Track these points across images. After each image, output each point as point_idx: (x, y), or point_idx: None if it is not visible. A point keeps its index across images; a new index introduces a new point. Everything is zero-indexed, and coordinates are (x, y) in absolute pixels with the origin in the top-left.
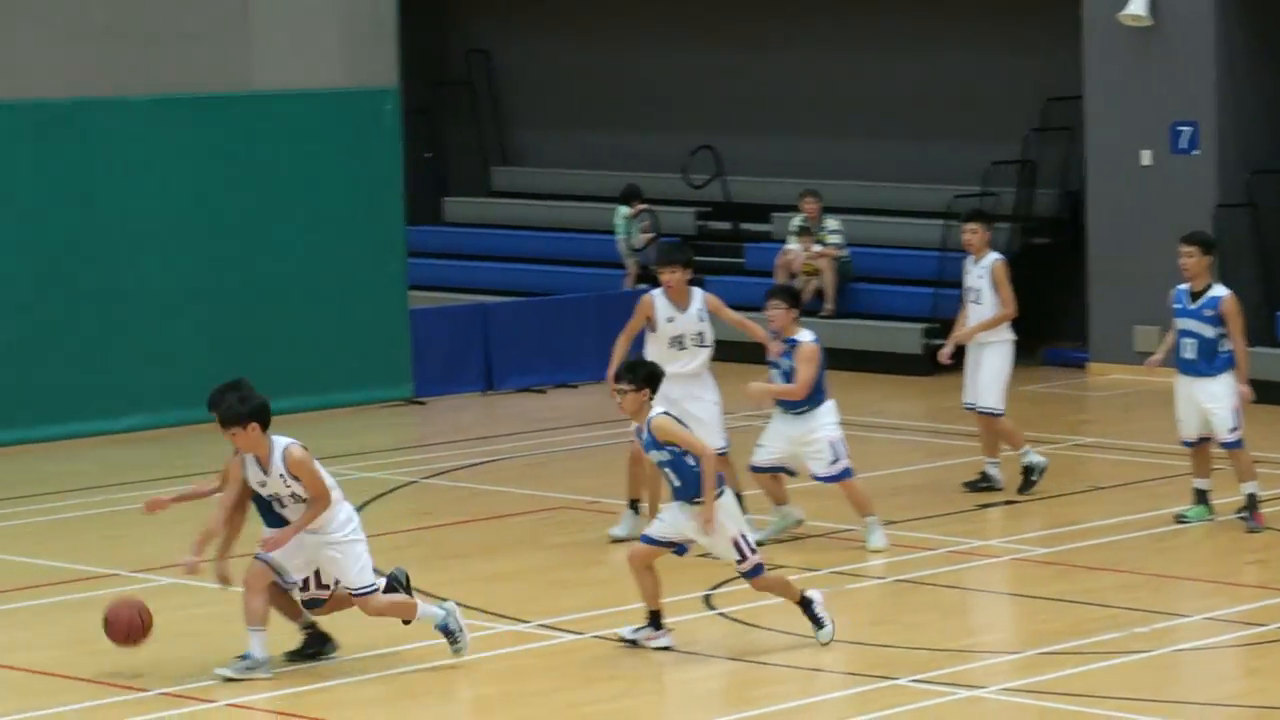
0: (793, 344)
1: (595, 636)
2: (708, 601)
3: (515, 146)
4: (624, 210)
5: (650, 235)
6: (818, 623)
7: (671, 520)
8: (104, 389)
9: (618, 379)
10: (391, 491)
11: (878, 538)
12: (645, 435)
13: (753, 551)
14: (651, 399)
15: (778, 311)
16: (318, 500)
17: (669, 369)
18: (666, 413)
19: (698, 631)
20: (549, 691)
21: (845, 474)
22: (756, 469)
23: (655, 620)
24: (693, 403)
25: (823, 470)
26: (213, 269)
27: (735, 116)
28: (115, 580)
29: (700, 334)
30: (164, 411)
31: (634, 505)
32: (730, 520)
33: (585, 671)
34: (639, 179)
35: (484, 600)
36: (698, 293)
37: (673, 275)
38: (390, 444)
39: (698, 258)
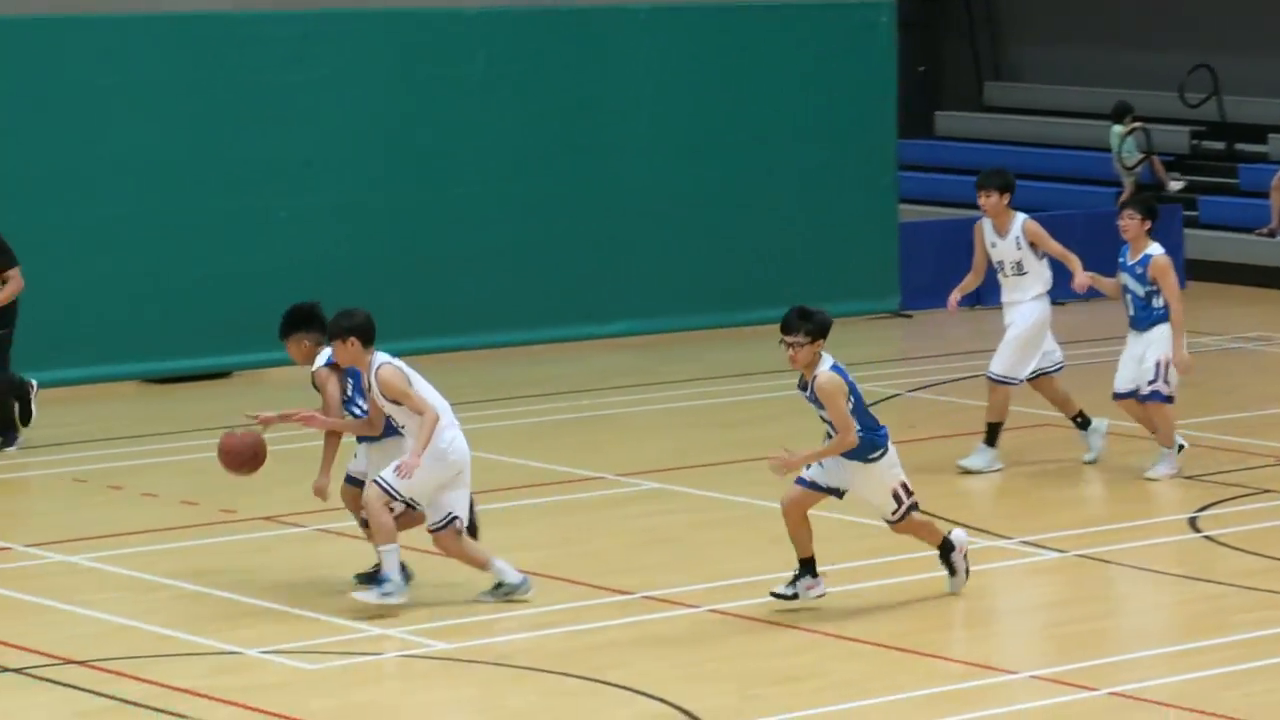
0: (1145, 260)
1: (1078, 555)
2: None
3: (1009, 61)
4: (1118, 128)
5: (1144, 155)
6: (950, 569)
7: (834, 468)
8: (592, 294)
9: (787, 329)
10: (875, 404)
11: (1163, 467)
12: (809, 391)
13: (909, 495)
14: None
15: (1131, 222)
16: (423, 419)
17: (1002, 298)
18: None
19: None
20: (1029, 610)
21: (1155, 396)
22: (1117, 395)
23: (809, 568)
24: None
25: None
26: (704, 178)
27: (1234, 35)
28: (599, 484)
29: (1018, 263)
30: (651, 318)
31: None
32: (890, 474)
33: (1069, 590)
34: (1133, 96)
35: (965, 515)
36: (1019, 219)
37: (988, 200)
38: (875, 356)
39: (1190, 177)
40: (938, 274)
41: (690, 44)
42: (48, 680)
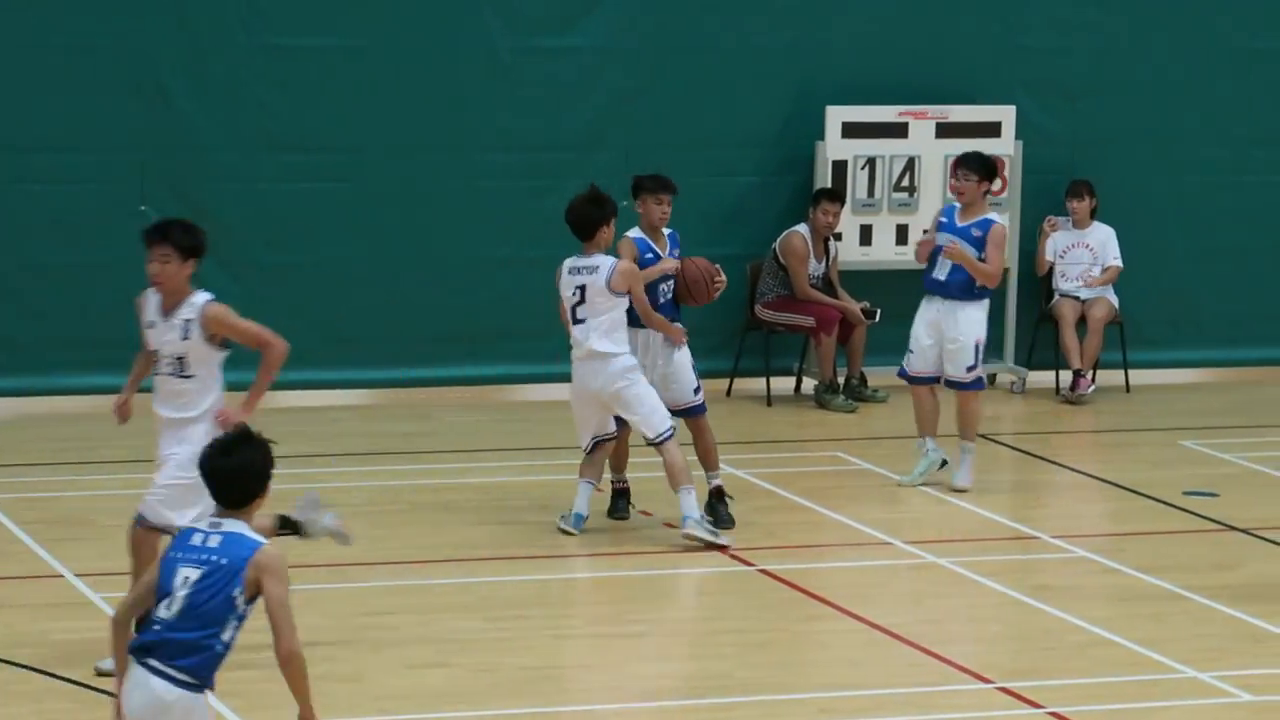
0: (986, 224)
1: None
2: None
3: None
4: None
5: None
6: None
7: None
8: None
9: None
10: None
11: (966, 473)
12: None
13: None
14: None
15: (968, 184)
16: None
17: None
18: None
19: None
20: None
21: (977, 384)
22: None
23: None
24: None
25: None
26: None
27: None
28: None
29: None
30: None
31: None
32: None
33: None
34: None
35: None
36: None
37: None
38: None
39: None
40: None
41: None
42: None
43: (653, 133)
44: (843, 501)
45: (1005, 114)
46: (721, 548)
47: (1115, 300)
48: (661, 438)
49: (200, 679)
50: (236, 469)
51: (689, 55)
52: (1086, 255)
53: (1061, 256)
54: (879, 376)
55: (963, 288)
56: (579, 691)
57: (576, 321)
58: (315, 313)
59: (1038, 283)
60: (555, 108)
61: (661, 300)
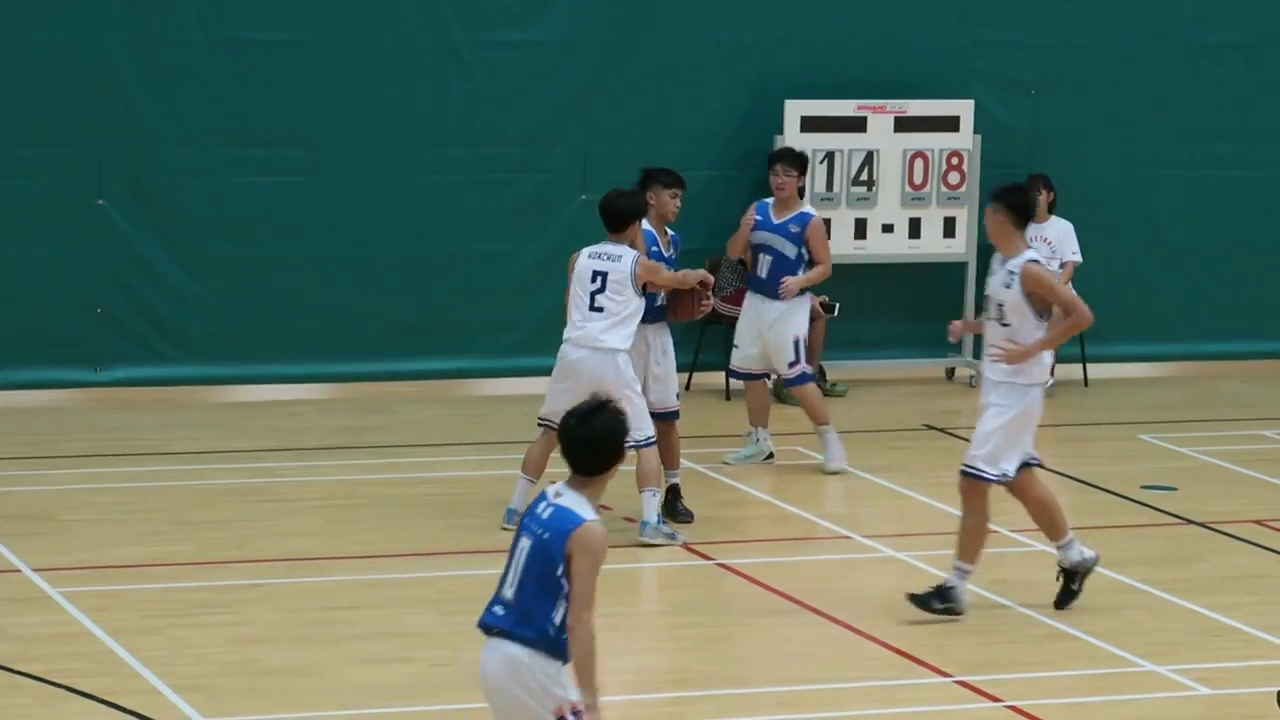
0: (803, 219)
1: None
2: None
3: None
4: None
5: None
6: None
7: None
8: None
9: None
10: None
11: (837, 453)
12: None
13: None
14: None
15: (789, 179)
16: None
17: None
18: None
19: None
20: None
21: (803, 379)
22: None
23: None
24: None
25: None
26: None
27: None
28: None
29: None
30: None
31: None
32: None
33: None
34: None
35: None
36: None
37: None
38: None
39: None
40: None
41: None
42: None
43: (611, 127)
44: (802, 496)
45: (964, 108)
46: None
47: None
48: (642, 444)
49: (549, 650)
50: (595, 437)
51: (647, 49)
52: (1045, 249)
53: None
54: (838, 370)
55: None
56: None
57: (593, 309)
58: (273, 307)
59: None
60: (513, 102)
61: (657, 304)
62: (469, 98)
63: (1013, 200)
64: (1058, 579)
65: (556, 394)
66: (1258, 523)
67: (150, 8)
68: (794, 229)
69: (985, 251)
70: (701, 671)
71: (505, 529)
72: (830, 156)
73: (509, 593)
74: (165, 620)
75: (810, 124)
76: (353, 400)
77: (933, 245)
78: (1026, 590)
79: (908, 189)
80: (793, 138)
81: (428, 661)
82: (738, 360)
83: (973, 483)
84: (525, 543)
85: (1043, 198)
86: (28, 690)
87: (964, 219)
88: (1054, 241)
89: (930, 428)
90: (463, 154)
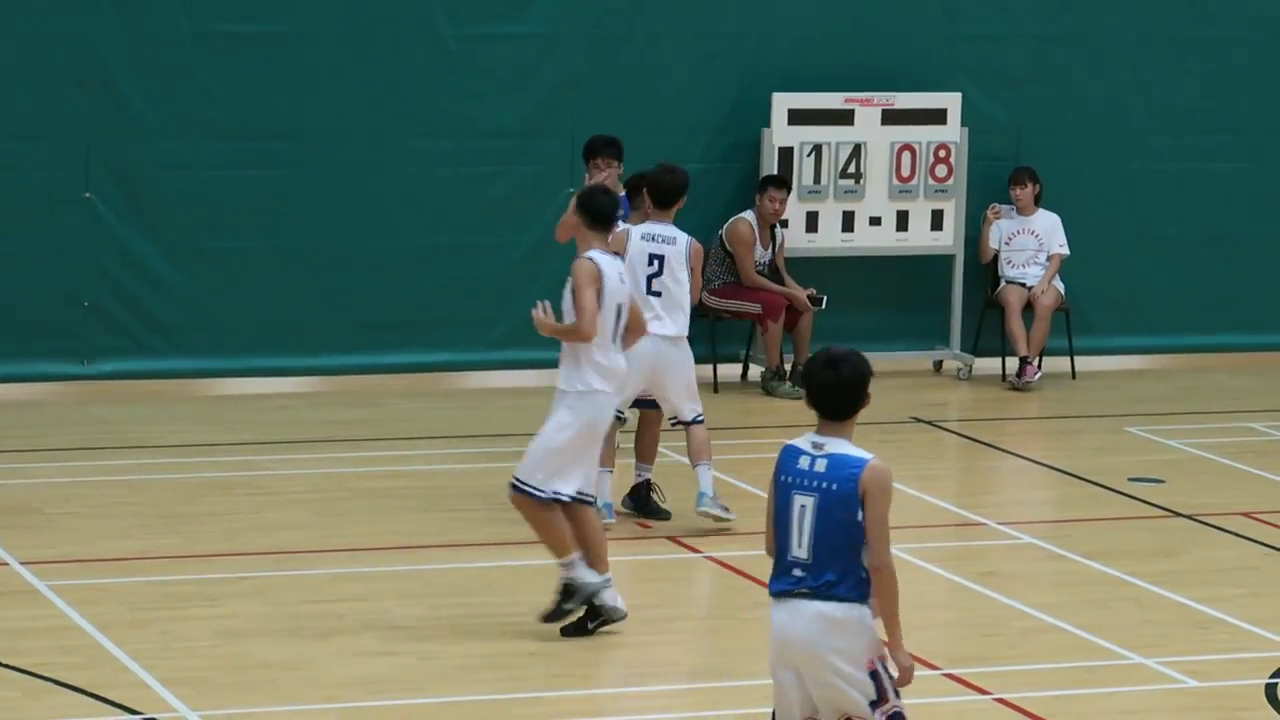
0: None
1: None
2: None
3: None
4: None
5: None
6: None
7: None
8: None
9: None
10: None
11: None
12: None
13: None
14: None
15: (610, 169)
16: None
17: None
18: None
19: None
20: None
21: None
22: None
23: None
24: None
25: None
26: None
27: None
28: None
29: None
30: None
31: None
32: None
33: None
34: None
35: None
36: None
37: None
38: None
39: None
40: None
41: None
42: None
43: (598, 120)
44: None
45: (951, 101)
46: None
47: (1062, 287)
48: (694, 420)
49: (860, 598)
50: (846, 381)
51: (634, 42)
52: (1032, 242)
53: (1007, 243)
54: None
55: None
56: (525, 679)
57: (651, 293)
58: (260, 299)
59: (983, 269)
60: (500, 94)
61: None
62: (456, 91)
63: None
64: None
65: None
66: (1245, 515)
67: (137, 1)
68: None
69: (973, 244)
70: (692, 664)
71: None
72: (817, 149)
73: (801, 553)
74: (153, 613)
75: (797, 117)
76: (341, 393)
77: (920, 238)
78: (1013, 583)
79: (895, 182)
80: (780, 131)
81: (416, 654)
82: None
83: (522, 499)
84: (805, 500)
85: (1028, 190)
86: (15, 684)
87: (951, 212)
88: (1041, 234)
89: (918, 420)
90: (450, 147)
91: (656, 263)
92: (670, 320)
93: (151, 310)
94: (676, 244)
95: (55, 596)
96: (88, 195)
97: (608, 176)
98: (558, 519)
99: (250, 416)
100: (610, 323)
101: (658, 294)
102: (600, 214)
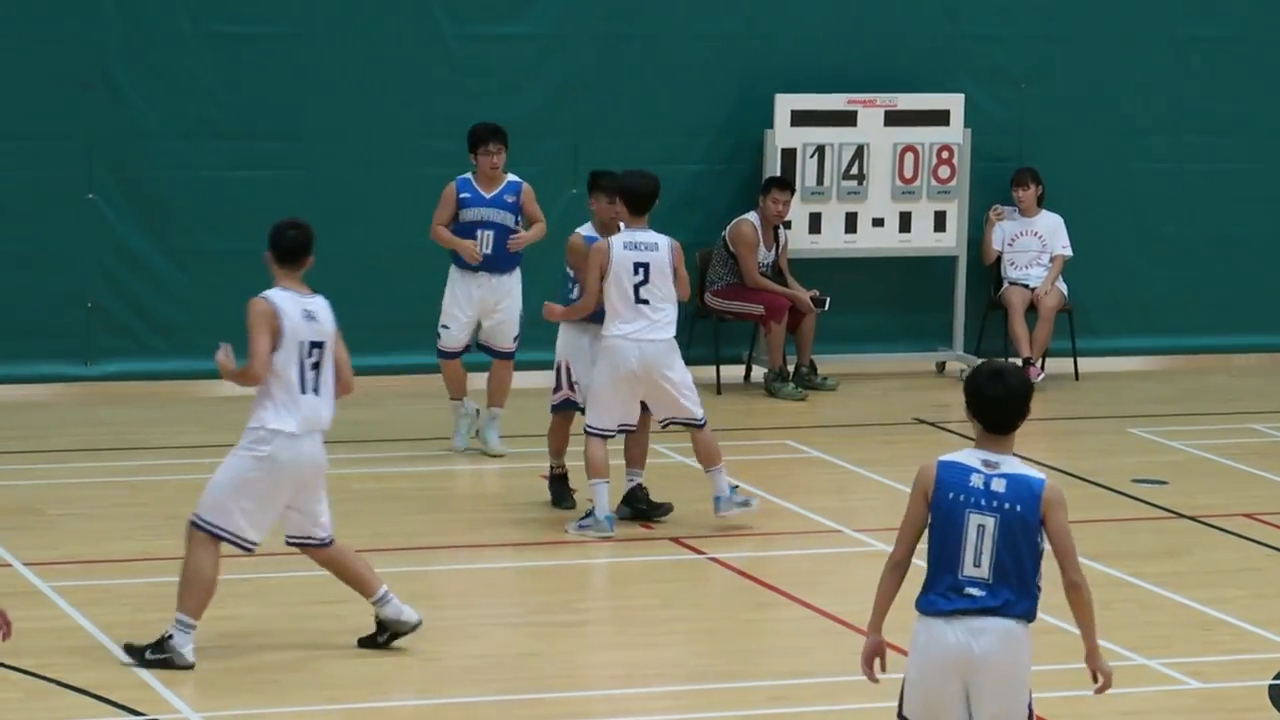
0: (515, 187)
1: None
2: None
3: None
4: None
5: None
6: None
7: None
8: None
9: None
10: None
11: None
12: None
13: None
14: None
15: (501, 157)
16: None
17: None
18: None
19: None
20: None
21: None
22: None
23: None
24: None
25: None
26: None
27: None
28: None
29: None
30: None
31: None
32: None
33: None
34: None
35: None
36: None
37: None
38: None
39: None
40: None
41: None
42: None
43: (601, 120)
44: (792, 489)
45: (954, 102)
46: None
47: (1064, 288)
48: (699, 423)
49: (1031, 618)
50: (1015, 393)
51: (637, 42)
52: (1035, 243)
53: (1010, 244)
54: (829, 364)
55: (508, 260)
56: (527, 680)
57: (639, 301)
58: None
59: (986, 270)
60: (502, 95)
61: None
62: (458, 91)
63: None
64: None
65: (608, 396)
66: (1248, 516)
67: (140, 1)
68: (509, 199)
69: (976, 245)
70: (692, 666)
71: (605, 537)
72: (820, 150)
73: (981, 572)
74: (156, 614)
75: (800, 118)
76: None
77: (923, 239)
78: None
79: (898, 183)
80: (783, 132)
81: (418, 655)
82: (449, 341)
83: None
84: (984, 520)
85: (1030, 192)
86: (18, 685)
87: (954, 213)
88: (1044, 235)
89: (921, 421)
90: (452, 147)
91: (642, 271)
92: (661, 326)
93: (154, 311)
94: (659, 250)
95: (58, 597)
96: (90, 196)
97: (495, 164)
98: (209, 562)
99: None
100: (292, 364)
101: (645, 301)
102: (287, 250)
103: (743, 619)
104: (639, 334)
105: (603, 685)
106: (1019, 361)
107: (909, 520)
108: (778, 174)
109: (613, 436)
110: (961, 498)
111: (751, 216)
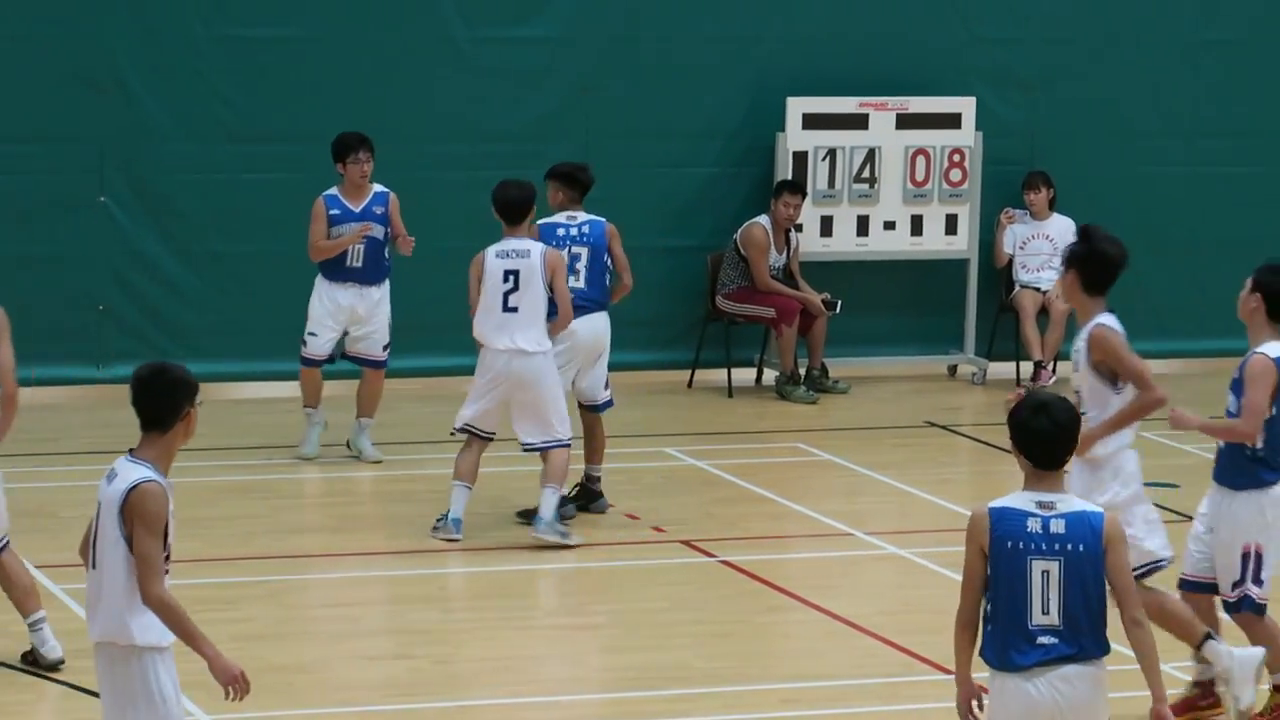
0: (383, 198)
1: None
2: None
3: None
4: None
5: None
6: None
7: None
8: None
9: None
10: None
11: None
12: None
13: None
14: None
15: (370, 166)
16: None
17: None
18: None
19: None
20: None
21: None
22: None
23: None
24: None
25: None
26: None
27: None
28: None
29: None
30: None
31: None
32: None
33: None
34: None
35: None
36: None
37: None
38: None
39: None
40: None
41: None
42: None
43: (612, 123)
44: (804, 493)
45: (965, 105)
46: (569, 547)
47: None
48: (560, 443)
49: (1105, 654)
50: (1063, 426)
51: (649, 45)
52: (1047, 246)
53: (1021, 248)
54: (841, 367)
55: (379, 270)
56: (538, 683)
57: (508, 310)
58: (273, 303)
59: (998, 274)
60: (514, 98)
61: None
62: (470, 94)
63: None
64: None
65: (483, 400)
66: None
67: (152, 4)
68: (378, 210)
69: (987, 248)
70: (704, 668)
71: (452, 539)
72: (832, 153)
73: (1051, 619)
74: None
75: (812, 121)
76: (352, 397)
77: (935, 242)
78: None
79: (909, 186)
80: (795, 135)
81: (430, 658)
82: (316, 349)
83: None
84: (1048, 565)
85: (1041, 195)
86: (31, 688)
87: (966, 216)
88: (1055, 238)
89: (932, 425)
90: (464, 150)
91: (512, 279)
92: (528, 335)
93: (166, 314)
94: (530, 257)
95: (70, 600)
96: (102, 199)
97: (365, 172)
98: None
99: (265, 420)
100: None
101: (514, 310)
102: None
103: (754, 622)
104: (507, 345)
105: (614, 688)
106: (1030, 365)
107: (969, 575)
108: (789, 177)
109: (476, 435)
110: (1021, 545)
111: (763, 220)
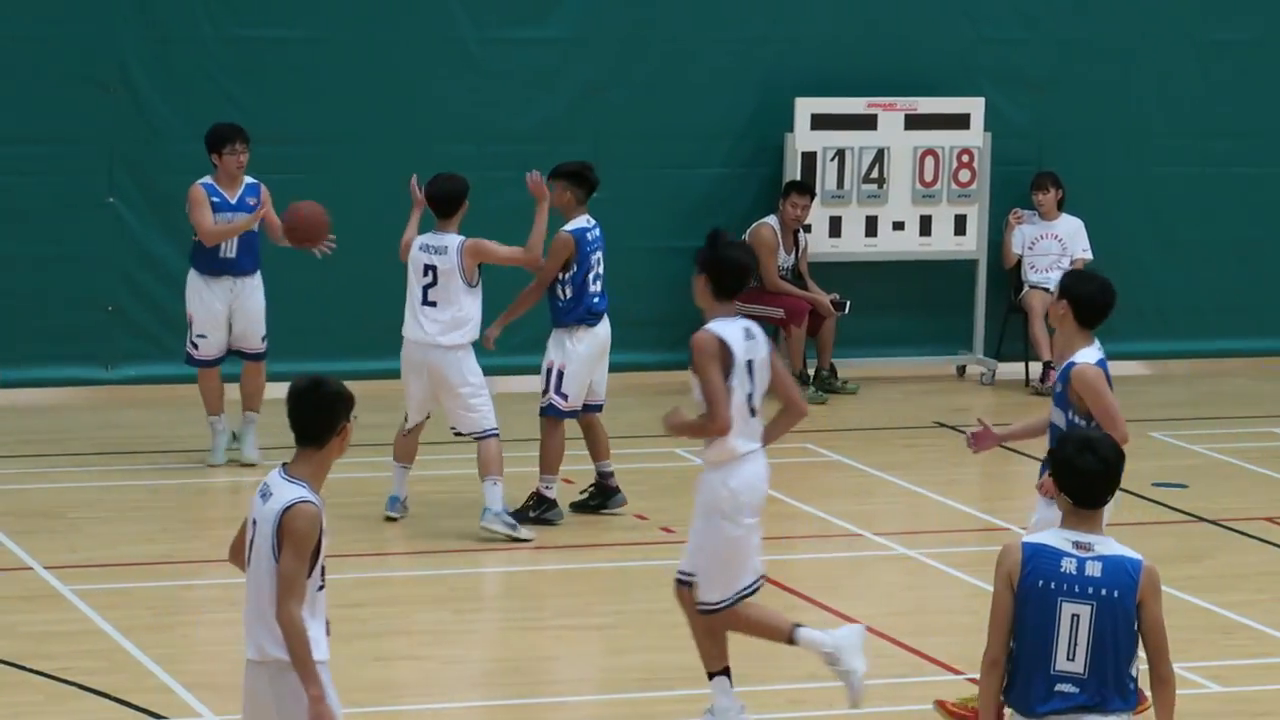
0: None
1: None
2: None
3: None
4: None
5: None
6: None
7: None
8: None
9: None
10: None
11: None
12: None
13: None
14: None
15: (246, 157)
16: None
17: None
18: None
19: None
20: None
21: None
22: None
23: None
24: None
25: None
26: None
27: None
28: None
29: None
30: None
31: None
32: None
33: None
34: None
35: None
36: None
37: None
38: None
39: None
40: None
41: None
42: None
43: (621, 124)
44: (812, 493)
45: (974, 105)
46: (524, 541)
47: None
48: (486, 435)
49: (1131, 709)
50: (1110, 464)
51: (657, 46)
52: (1055, 246)
53: (1030, 248)
54: (849, 368)
55: (252, 261)
56: (547, 684)
57: (427, 303)
58: (281, 304)
59: (1006, 274)
60: (522, 100)
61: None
62: (478, 95)
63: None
64: None
65: (411, 389)
66: (1269, 520)
67: (160, 4)
68: (251, 201)
69: (996, 249)
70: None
71: (389, 518)
72: (840, 154)
73: (1076, 666)
74: (176, 618)
75: (820, 121)
76: (362, 398)
77: (943, 242)
78: None
79: (918, 186)
80: (803, 136)
81: (438, 659)
82: (209, 350)
83: None
84: (1079, 609)
85: (1050, 195)
86: (39, 688)
87: (974, 216)
88: (1064, 239)
89: (941, 425)
90: (472, 151)
91: (431, 273)
92: (444, 329)
93: (174, 314)
94: (447, 254)
95: (78, 600)
96: (110, 200)
97: (241, 163)
98: None
99: (272, 420)
100: None
101: (433, 304)
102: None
103: None
104: (424, 338)
105: (623, 689)
106: (1039, 365)
107: (997, 612)
108: (797, 178)
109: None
110: (1053, 585)
111: (771, 220)
